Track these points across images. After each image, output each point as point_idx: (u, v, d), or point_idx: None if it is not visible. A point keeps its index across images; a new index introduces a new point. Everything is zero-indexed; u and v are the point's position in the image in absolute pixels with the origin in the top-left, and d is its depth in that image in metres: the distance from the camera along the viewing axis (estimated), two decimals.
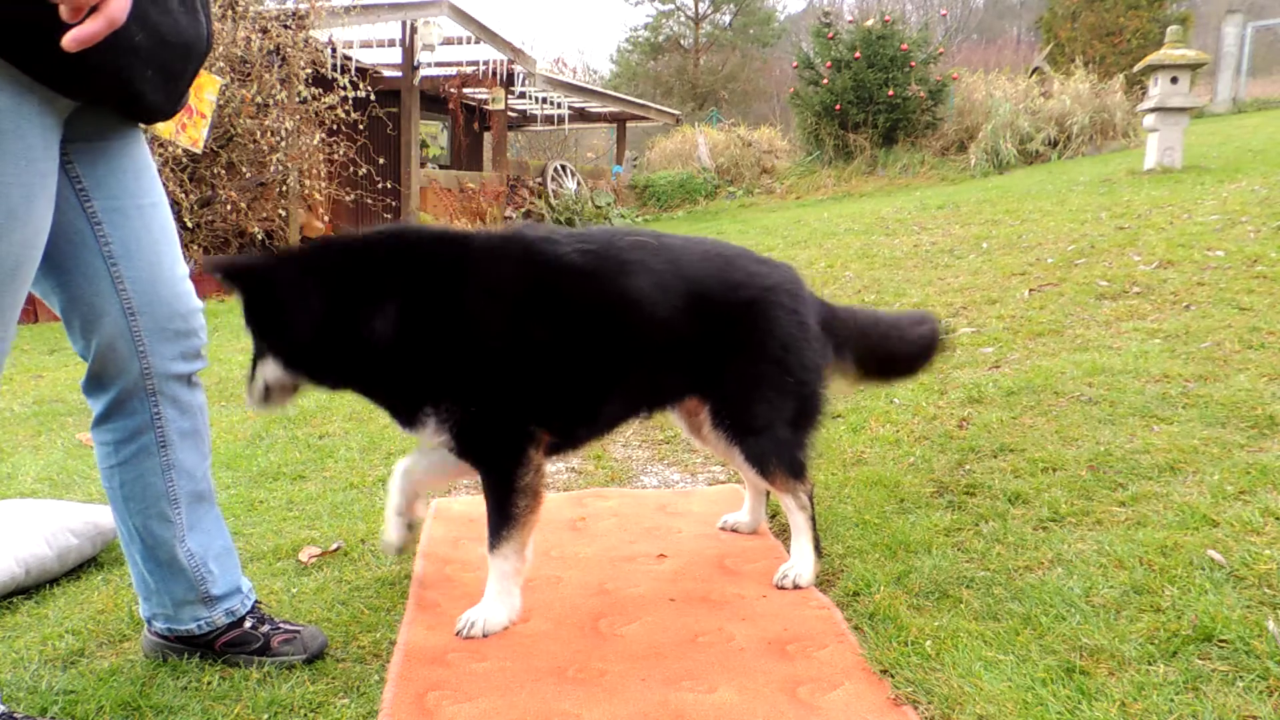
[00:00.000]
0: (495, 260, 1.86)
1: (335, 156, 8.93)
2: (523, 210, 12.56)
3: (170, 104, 1.44)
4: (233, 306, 7.29)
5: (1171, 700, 1.43)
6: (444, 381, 1.81)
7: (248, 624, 1.71)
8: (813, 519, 2.12)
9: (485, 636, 1.83)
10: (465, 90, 12.41)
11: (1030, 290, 4.34)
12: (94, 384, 1.56)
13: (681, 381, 2.06)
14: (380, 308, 1.74)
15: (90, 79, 1.30)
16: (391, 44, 10.88)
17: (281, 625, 1.73)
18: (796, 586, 2.04)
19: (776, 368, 2.04)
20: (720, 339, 2.00)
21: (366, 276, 1.76)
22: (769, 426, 2.05)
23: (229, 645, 1.69)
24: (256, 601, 1.77)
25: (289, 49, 8.11)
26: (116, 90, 1.35)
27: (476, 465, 1.96)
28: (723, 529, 2.40)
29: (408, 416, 1.87)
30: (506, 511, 1.90)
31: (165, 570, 1.64)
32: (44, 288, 1.48)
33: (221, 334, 5.96)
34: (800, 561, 2.07)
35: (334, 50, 9.07)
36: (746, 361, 2.03)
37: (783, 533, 2.35)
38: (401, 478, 2.10)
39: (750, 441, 2.05)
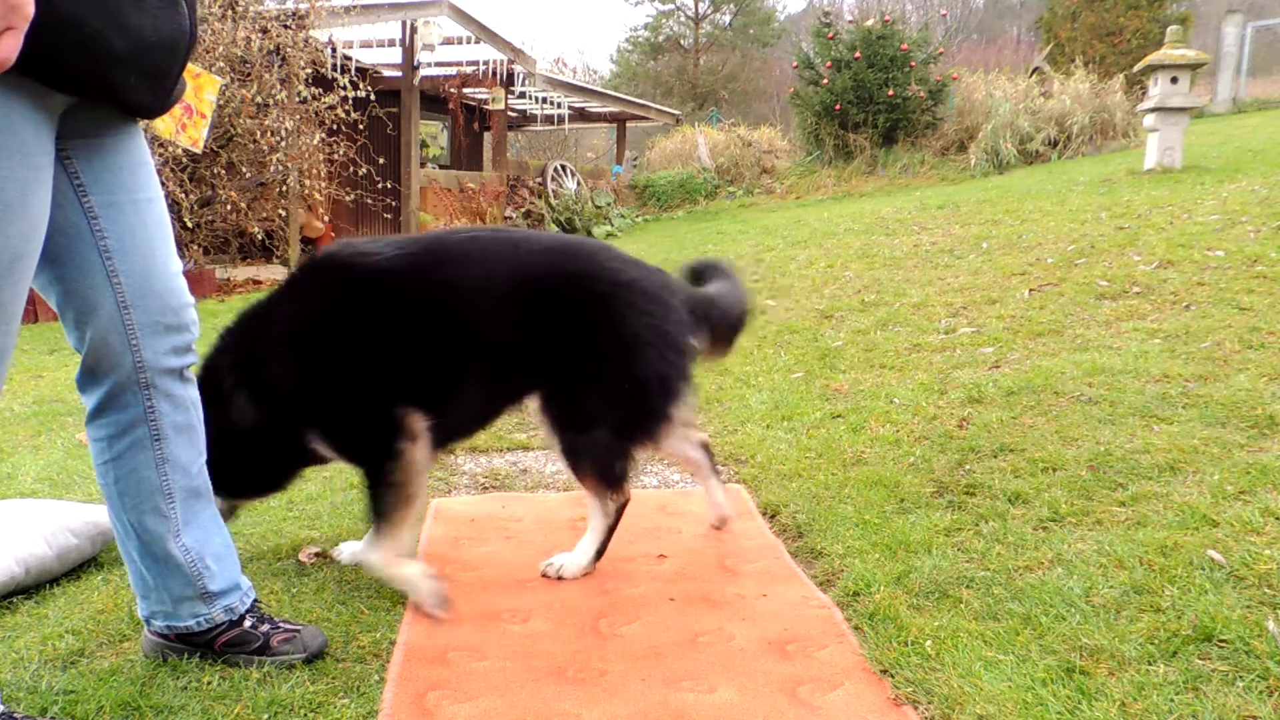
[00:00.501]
0: (304, 294, 2.00)
1: (335, 156, 8.93)
2: (523, 210, 12.56)
3: (159, 102, 1.45)
4: (233, 306, 7.29)
5: (1171, 700, 1.43)
6: (304, 409, 1.96)
7: (247, 623, 1.70)
8: (610, 529, 2.12)
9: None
10: (465, 90, 12.41)
11: (1030, 290, 4.34)
12: (88, 377, 1.56)
13: (531, 372, 2.06)
14: (230, 402, 1.94)
15: (75, 83, 1.31)
16: (391, 44, 10.88)
17: (281, 625, 1.73)
18: (560, 577, 2.09)
19: (615, 368, 2.01)
20: (562, 330, 1.99)
21: (214, 396, 1.92)
22: (592, 426, 2.02)
23: (228, 645, 1.69)
24: (255, 600, 1.76)
25: (289, 49, 8.11)
26: (103, 95, 1.36)
27: (355, 464, 2.06)
28: (713, 526, 2.40)
29: (303, 452, 2.02)
30: (375, 506, 1.95)
31: (162, 566, 1.64)
32: (41, 281, 1.50)
33: None
34: (574, 556, 2.12)
35: (334, 50, 9.07)
36: (585, 355, 2.01)
37: (784, 532, 2.35)
38: None
39: (570, 436, 2.03)
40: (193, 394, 1.66)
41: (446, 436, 2.07)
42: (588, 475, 2.07)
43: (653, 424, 2.07)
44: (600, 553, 2.14)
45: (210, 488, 1.71)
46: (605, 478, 2.05)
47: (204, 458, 1.70)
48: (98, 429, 1.59)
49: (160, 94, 1.44)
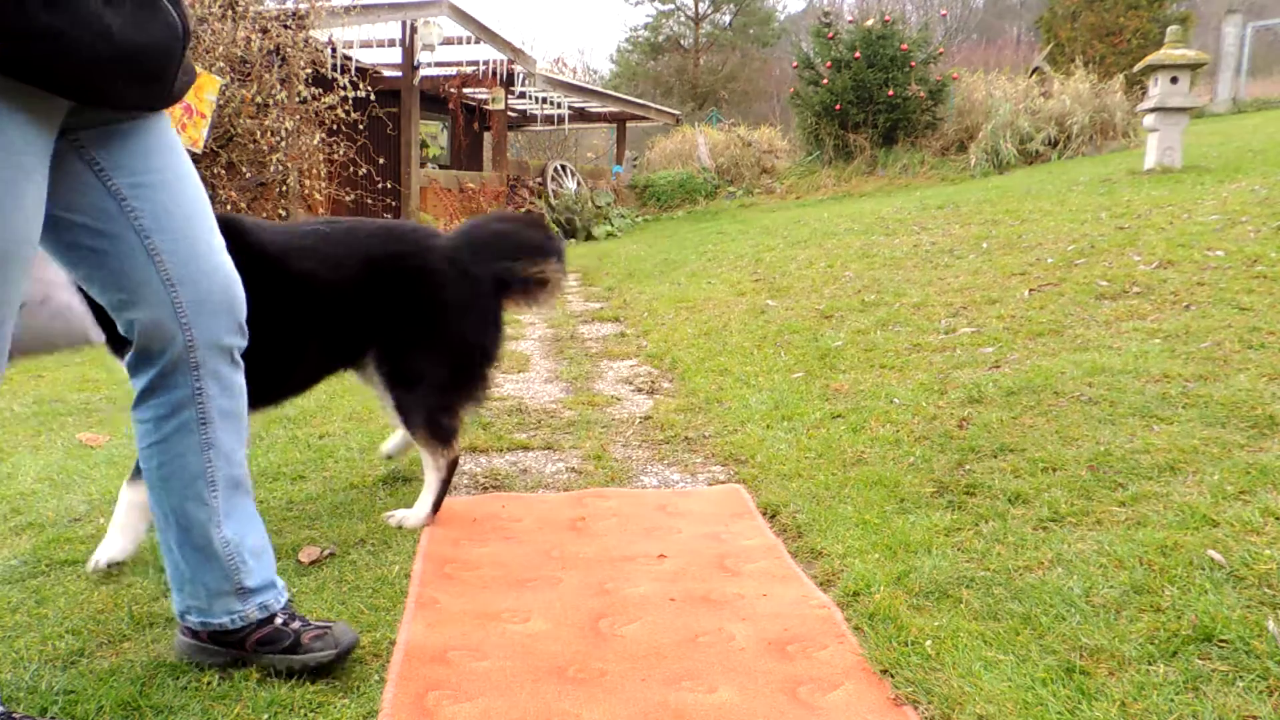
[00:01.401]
0: None
1: (335, 156, 8.93)
2: (523, 210, 12.56)
3: (156, 100, 1.45)
4: None
5: (1171, 700, 1.43)
6: None
7: (279, 620, 1.67)
8: (445, 483, 2.42)
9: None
10: (465, 90, 12.41)
11: (1030, 290, 4.34)
12: (140, 360, 1.56)
13: (364, 340, 2.35)
14: None
15: (63, 89, 1.31)
16: (391, 44, 10.88)
17: (312, 622, 1.69)
18: (400, 526, 2.36)
19: (436, 333, 2.33)
20: (388, 301, 2.29)
21: None
22: (420, 382, 2.34)
23: (260, 643, 1.66)
24: (289, 600, 1.73)
25: (289, 49, 8.11)
26: (94, 99, 1.36)
27: None
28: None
29: None
30: None
31: (200, 555, 1.61)
32: (81, 274, 1.51)
33: None
34: (416, 510, 2.41)
35: (334, 50, 9.07)
36: (411, 320, 2.32)
37: (784, 532, 2.35)
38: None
39: (399, 393, 2.36)
40: (239, 380, 1.64)
41: (281, 396, 2.39)
42: (419, 430, 2.38)
43: (473, 384, 2.42)
44: (437, 505, 2.43)
45: (249, 480, 1.69)
46: (434, 433, 2.37)
47: (246, 449, 1.68)
48: (145, 411, 1.58)
49: (156, 94, 1.44)
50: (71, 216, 1.47)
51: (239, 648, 1.66)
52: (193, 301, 1.52)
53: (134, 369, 1.57)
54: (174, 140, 1.56)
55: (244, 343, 1.64)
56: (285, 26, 8.14)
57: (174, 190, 1.52)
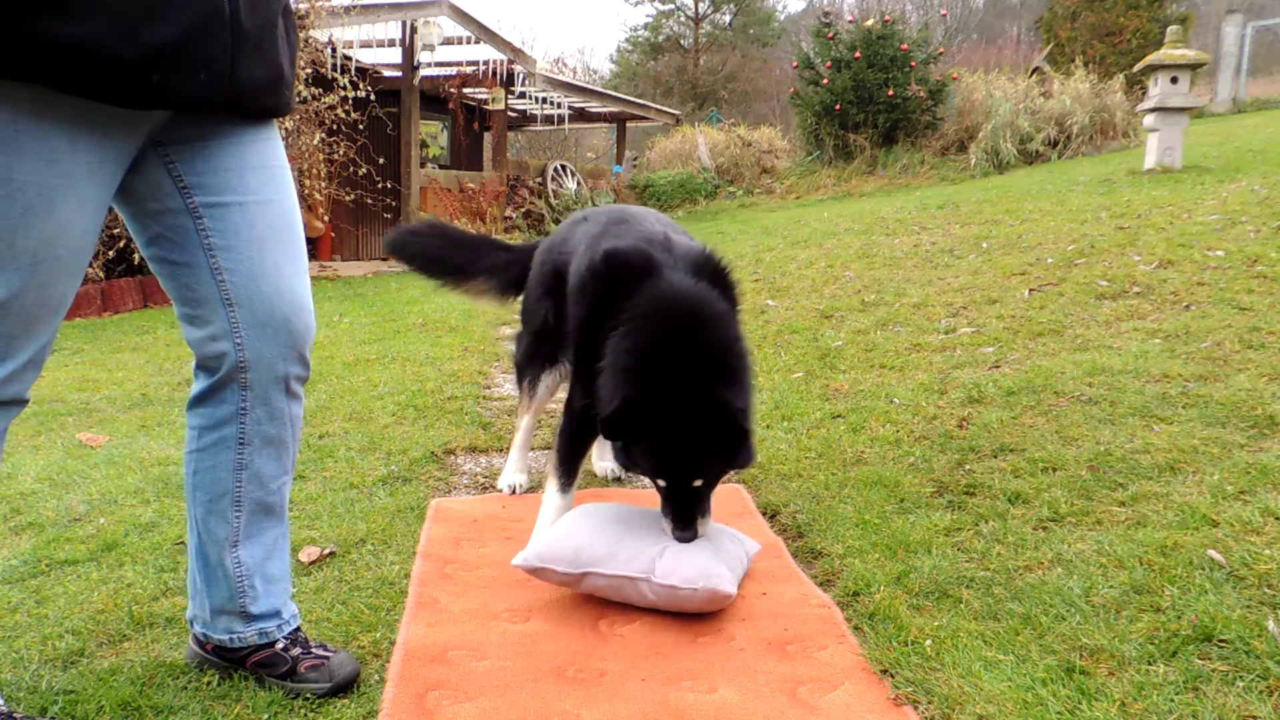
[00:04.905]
0: None
1: (335, 156, 8.93)
2: (522, 210, 12.56)
3: (211, 92, 1.39)
4: None
5: (1171, 700, 1.43)
6: None
7: (279, 645, 1.67)
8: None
9: None
10: (465, 90, 12.40)
11: (1030, 290, 4.34)
12: (198, 369, 1.58)
13: None
14: None
15: (102, 94, 1.27)
16: (391, 44, 10.89)
17: (314, 649, 1.68)
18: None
19: None
20: None
21: None
22: None
23: (259, 664, 1.66)
24: (296, 629, 1.71)
25: None
26: (135, 100, 1.32)
27: None
28: None
29: None
30: None
31: (210, 572, 1.63)
32: (162, 279, 1.54)
33: None
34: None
35: (334, 50, 9.07)
36: None
37: (784, 532, 2.35)
38: None
39: None
40: (294, 412, 1.63)
41: None
42: None
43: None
44: None
45: (285, 509, 1.68)
46: None
47: (288, 476, 1.67)
48: (193, 416, 1.60)
49: (207, 83, 1.37)
50: (153, 226, 1.50)
51: (239, 664, 1.67)
52: (249, 324, 1.52)
53: (195, 374, 1.59)
54: (274, 162, 1.55)
55: (304, 372, 1.62)
56: None
57: (251, 213, 1.52)
